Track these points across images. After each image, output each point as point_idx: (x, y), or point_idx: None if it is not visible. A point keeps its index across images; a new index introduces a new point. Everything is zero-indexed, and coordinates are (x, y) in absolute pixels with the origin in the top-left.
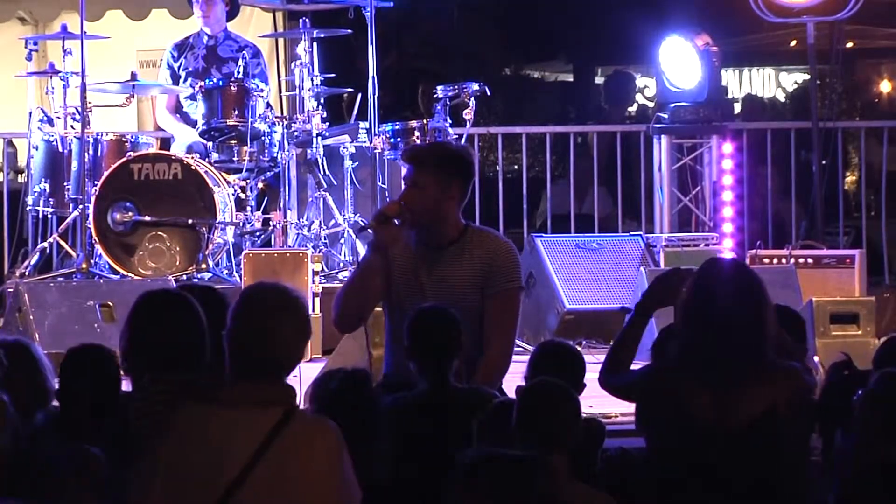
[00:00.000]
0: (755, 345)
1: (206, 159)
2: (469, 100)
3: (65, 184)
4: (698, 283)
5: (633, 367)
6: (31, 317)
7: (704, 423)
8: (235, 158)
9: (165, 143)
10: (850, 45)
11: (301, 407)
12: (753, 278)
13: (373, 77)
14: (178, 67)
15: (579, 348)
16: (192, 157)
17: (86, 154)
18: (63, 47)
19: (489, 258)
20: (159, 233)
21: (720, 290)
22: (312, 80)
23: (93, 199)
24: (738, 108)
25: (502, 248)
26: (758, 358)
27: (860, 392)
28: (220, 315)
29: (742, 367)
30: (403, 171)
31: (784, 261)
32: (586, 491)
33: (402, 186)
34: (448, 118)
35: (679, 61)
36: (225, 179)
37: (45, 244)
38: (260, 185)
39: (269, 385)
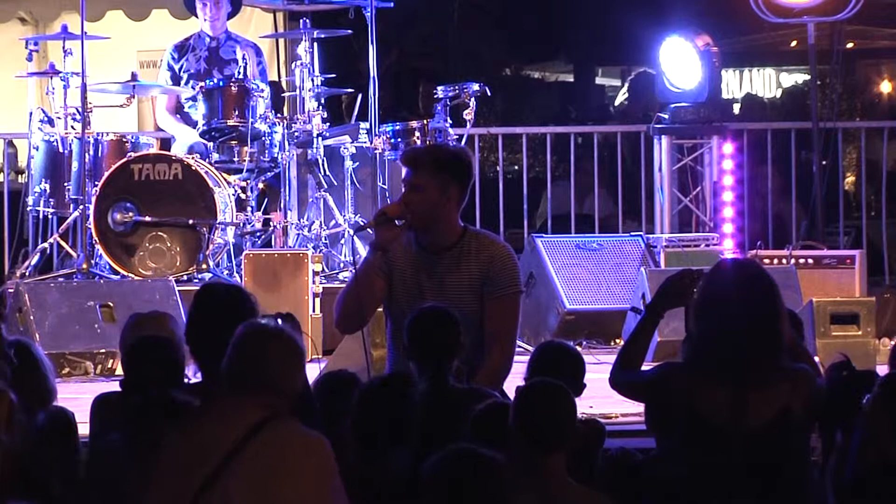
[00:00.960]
0: (769, 346)
1: (207, 160)
2: (469, 100)
3: (65, 184)
4: (711, 283)
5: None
6: (32, 317)
7: (717, 424)
8: (236, 159)
9: (166, 143)
10: (850, 45)
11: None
12: (766, 279)
13: (373, 77)
14: (180, 69)
15: (579, 348)
16: (193, 158)
17: (86, 154)
18: (63, 48)
19: (488, 263)
20: (160, 233)
21: (731, 291)
22: (313, 80)
23: (93, 199)
24: (737, 107)
25: (501, 253)
26: (772, 360)
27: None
28: (247, 313)
29: (756, 368)
30: (403, 172)
31: (784, 261)
32: (584, 491)
33: (402, 188)
34: (448, 118)
35: (679, 61)
36: (225, 180)
37: (46, 245)
38: (260, 185)
39: (260, 393)
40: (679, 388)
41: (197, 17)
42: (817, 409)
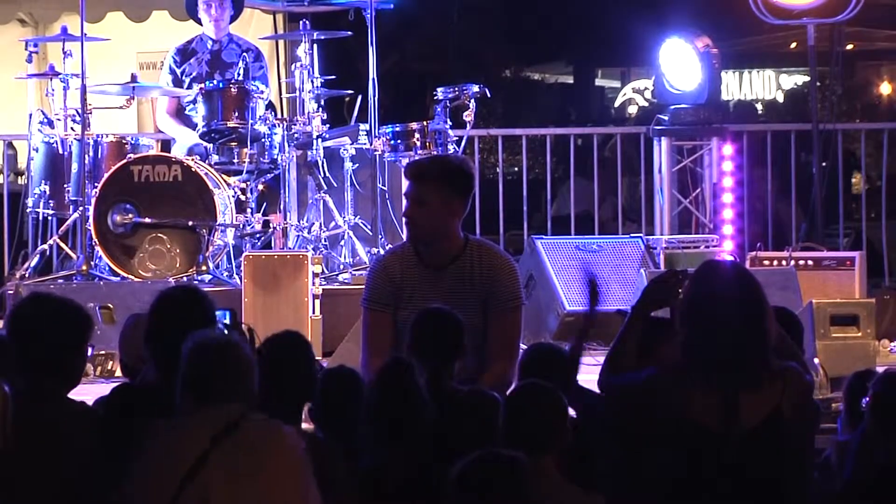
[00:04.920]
0: (756, 346)
1: (207, 161)
2: (469, 101)
3: (65, 186)
4: (696, 285)
5: None
6: None
7: (709, 427)
8: (235, 160)
9: (165, 144)
10: (850, 47)
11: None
12: (751, 280)
13: (373, 79)
14: (182, 73)
15: None
16: (193, 159)
17: (86, 156)
18: (63, 49)
19: (491, 278)
20: (159, 235)
21: (719, 292)
22: (312, 81)
23: (93, 200)
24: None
25: (503, 267)
26: (759, 360)
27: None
28: (204, 312)
29: (744, 369)
30: (406, 184)
31: (784, 263)
32: (576, 491)
33: (405, 202)
34: (448, 120)
35: (679, 63)
36: (225, 181)
37: (46, 246)
38: (260, 186)
39: (224, 397)
40: (669, 392)
41: (199, 22)
42: (808, 405)
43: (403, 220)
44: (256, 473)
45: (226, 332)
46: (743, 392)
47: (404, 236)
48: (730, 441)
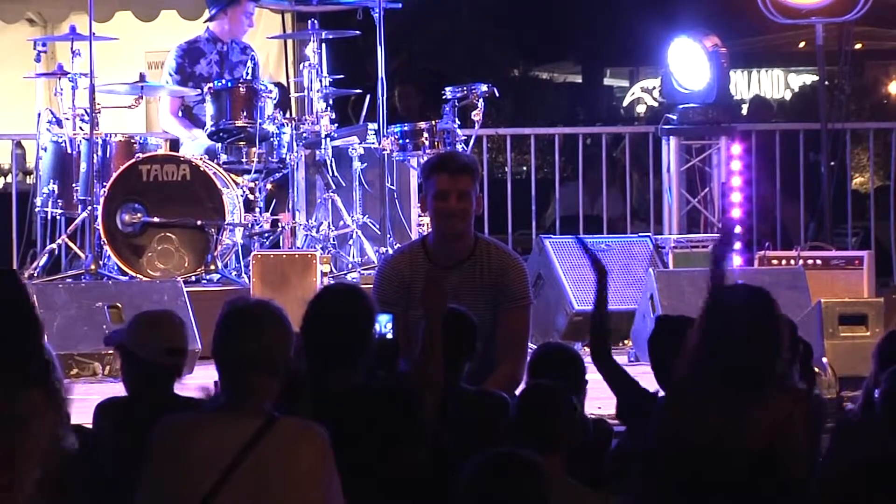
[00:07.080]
0: (764, 360)
1: (215, 160)
2: (478, 101)
3: (73, 185)
4: (709, 296)
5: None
6: (40, 318)
7: (714, 438)
8: (244, 160)
9: (174, 144)
10: (858, 46)
11: None
12: (761, 292)
13: (381, 78)
14: (190, 73)
15: (588, 349)
16: (201, 158)
17: (94, 155)
18: (72, 48)
19: (500, 276)
20: (168, 234)
21: (728, 303)
22: (321, 81)
23: (101, 200)
24: (744, 108)
25: (512, 267)
26: (767, 374)
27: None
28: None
29: (751, 382)
30: (438, 180)
31: (792, 262)
32: (584, 492)
33: (434, 199)
34: (457, 119)
35: (688, 62)
36: (234, 180)
37: (54, 245)
38: (269, 186)
39: (253, 393)
40: (682, 408)
41: (211, 20)
42: (815, 424)
43: (440, 215)
44: (288, 473)
45: (387, 336)
46: (753, 408)
47: (413, 236)
48: (735, 454)
